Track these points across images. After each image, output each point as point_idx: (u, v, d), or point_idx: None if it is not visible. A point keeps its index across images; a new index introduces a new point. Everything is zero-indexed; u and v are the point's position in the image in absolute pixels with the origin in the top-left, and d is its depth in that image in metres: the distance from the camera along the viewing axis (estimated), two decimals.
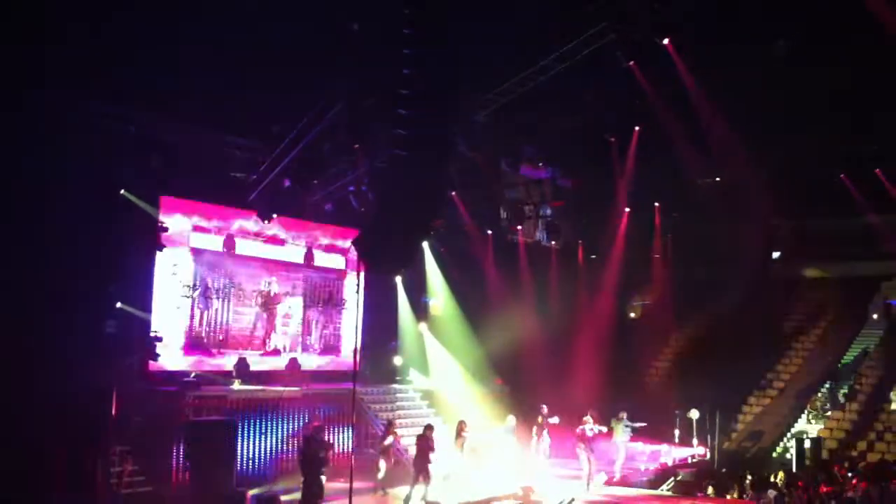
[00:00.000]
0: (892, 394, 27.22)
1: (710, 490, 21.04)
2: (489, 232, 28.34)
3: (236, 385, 20.04)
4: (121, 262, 18.48)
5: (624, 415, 22.06)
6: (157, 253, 20.19)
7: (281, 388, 20.88)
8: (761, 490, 20.06)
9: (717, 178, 25.90)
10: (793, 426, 28.71)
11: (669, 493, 20.90)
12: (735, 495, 20.73)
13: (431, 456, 17.57)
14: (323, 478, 16.25)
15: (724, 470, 23.15)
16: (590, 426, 19.93)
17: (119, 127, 18.04)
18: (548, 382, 26.07)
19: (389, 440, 19.07)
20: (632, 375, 29.91)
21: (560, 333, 28.38)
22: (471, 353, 26.78)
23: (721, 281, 30.27)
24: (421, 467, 17.42)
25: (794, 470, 23.77)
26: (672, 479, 22.30)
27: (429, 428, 18.31)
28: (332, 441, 18.85)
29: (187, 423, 16.59)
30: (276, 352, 23.15)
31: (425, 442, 17.67)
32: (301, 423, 19.99)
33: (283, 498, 16.35)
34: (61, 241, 16.75)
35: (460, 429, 19.74)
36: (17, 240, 16.10)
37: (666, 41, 19.55)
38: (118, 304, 18.20)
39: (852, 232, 29.49)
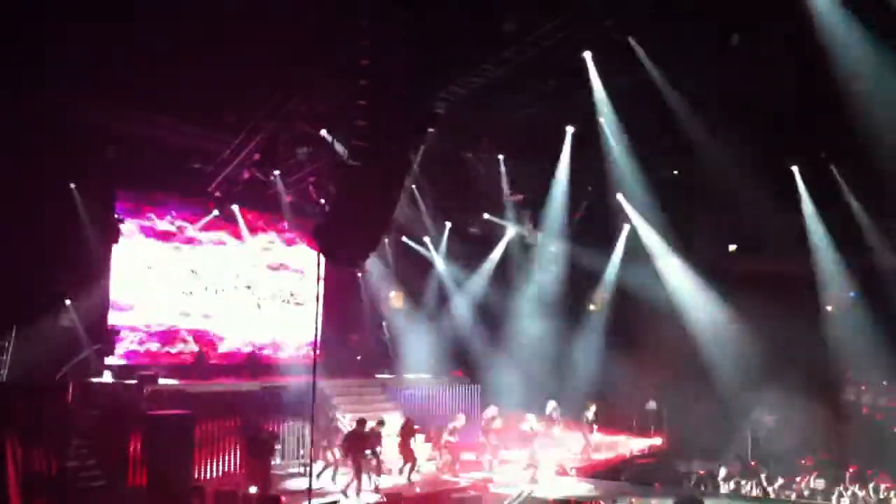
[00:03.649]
0: None
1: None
2: (447, 224, 28.34)
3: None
4: (76, 255, 18.31)
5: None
6: (114, 245, 20.02)
7: (240, 382, 20.82)
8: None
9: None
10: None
11: (626, 482, 21.07)
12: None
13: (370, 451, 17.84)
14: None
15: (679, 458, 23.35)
16: (528, 424, 21.03)
17: (74, 117, 17.76)
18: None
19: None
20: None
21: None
22: (431, 345, 26.84)
23: None
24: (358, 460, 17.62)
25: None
26: (627, 469, 22.50)
27: (374, 423, 18.58)
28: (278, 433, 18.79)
29: (145, 416, 16.44)
30: (237, 346, 23.07)
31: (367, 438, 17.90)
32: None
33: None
34: (14, 234, 16.58)
35: (408, 427, 19.84)
36: None
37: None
38: (67, 302, 18.02)
39: None
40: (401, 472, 19.27)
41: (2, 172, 16.47)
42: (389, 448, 19.80)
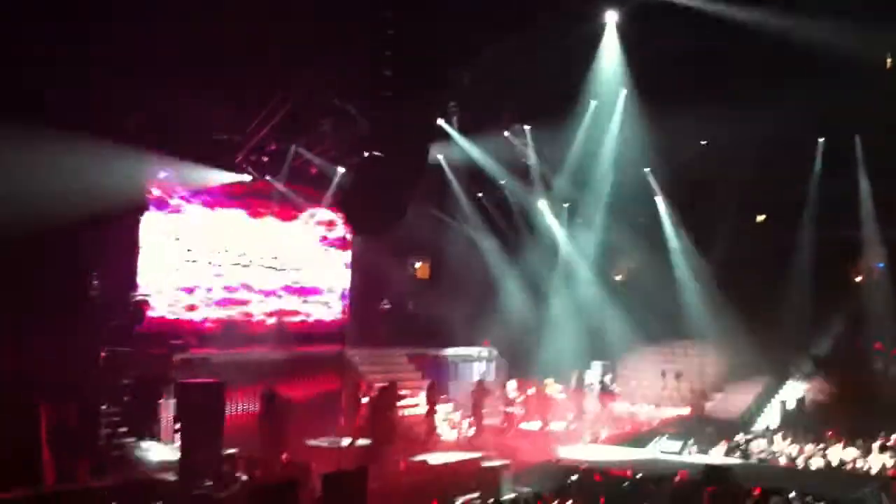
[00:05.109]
0: None
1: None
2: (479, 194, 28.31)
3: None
4: (105, 225, 18.38)
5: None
6: (143, 215, 20.14)
7: (268, 351, 20.97)
8: None
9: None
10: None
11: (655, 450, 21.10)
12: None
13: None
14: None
15: (708, 429, 23.31)
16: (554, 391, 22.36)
17: (100, 88, 17.76)
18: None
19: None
20: None
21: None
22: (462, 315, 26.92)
23: None
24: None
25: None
26: (658, 437, 22.51)
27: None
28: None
29: (176, 384, 16.59)
30: (265, 315, 23.19)
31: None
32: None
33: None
34: (43, 205, 16.68)
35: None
36: None
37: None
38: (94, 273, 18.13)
39: None
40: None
41: (26, 144, 16.53)
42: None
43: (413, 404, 21.88)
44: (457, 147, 24.88)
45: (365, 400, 19.14)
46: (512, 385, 22.87)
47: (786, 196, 26.17)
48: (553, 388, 21.61)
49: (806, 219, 26.60)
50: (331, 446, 17.70)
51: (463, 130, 24.51)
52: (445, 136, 24.30)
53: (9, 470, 13.64)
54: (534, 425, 22.74)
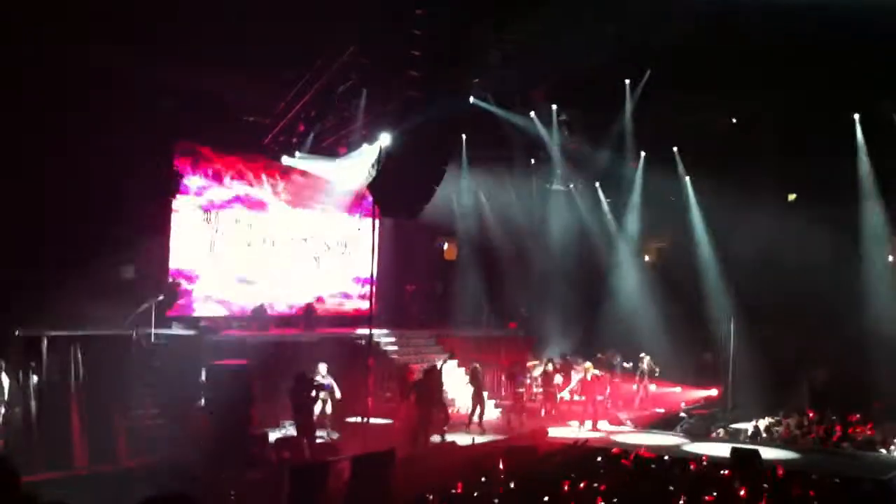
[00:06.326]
0: None
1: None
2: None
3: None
4: (136, 209, 18.61)
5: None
6: (173, 200, 20.34)
7: (297, 333, 21.17)
8: None
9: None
10: None
11: (682, 433, 21.10)
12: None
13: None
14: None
15: (734, 411, 23.30)
16: (586, 373, 21.82)
17: (129, 72, 17.92)
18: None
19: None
20: None
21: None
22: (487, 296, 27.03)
23: None
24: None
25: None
26: (684, 420, 22.50)
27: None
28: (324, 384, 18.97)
29: (206, 366, 16.81)
30: (294, 299, 23.37)
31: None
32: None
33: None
34: (77, 188, 16.93)
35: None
36: (25, 186, 16.26)
37: None
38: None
39: None
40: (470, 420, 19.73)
41: (58, 129, 16.76)
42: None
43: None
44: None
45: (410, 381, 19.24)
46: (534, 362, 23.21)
47: None
48: (591, 371, 21.58)
49: None
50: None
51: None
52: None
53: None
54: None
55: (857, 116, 23.66)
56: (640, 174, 27.94)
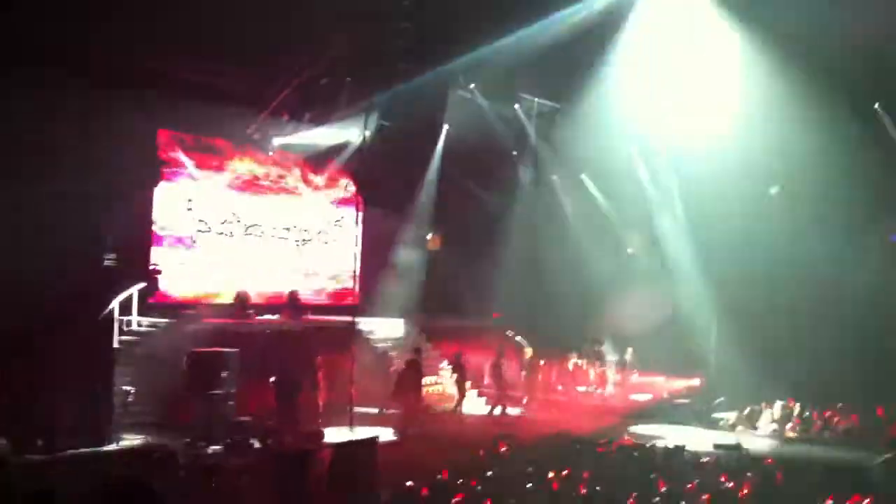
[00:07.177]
0: None
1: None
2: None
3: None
4: (119, 196, 18.46)
5: None
6: (156, 187, 20.24)
7: (281, 321, 21.09)
8: None
9: None
10: None
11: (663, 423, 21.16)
12: None
13: None
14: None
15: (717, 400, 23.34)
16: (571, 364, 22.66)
17: (117, 59, 17.80)
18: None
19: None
20: None
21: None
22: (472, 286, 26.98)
23: None
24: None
25: None
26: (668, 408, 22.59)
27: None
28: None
29: (188, 354, 16.75)
30: (277, 287, 23.29)
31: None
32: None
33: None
34: (57, 174, 16.78)
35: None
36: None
37: None
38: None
39: None
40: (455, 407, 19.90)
41: (43, 115, 16.62)
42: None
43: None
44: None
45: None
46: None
47: None
48: (570, 361, 21.76)
49: None
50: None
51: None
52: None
53: None
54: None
55: None
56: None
